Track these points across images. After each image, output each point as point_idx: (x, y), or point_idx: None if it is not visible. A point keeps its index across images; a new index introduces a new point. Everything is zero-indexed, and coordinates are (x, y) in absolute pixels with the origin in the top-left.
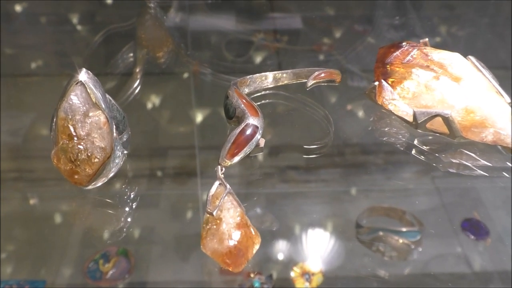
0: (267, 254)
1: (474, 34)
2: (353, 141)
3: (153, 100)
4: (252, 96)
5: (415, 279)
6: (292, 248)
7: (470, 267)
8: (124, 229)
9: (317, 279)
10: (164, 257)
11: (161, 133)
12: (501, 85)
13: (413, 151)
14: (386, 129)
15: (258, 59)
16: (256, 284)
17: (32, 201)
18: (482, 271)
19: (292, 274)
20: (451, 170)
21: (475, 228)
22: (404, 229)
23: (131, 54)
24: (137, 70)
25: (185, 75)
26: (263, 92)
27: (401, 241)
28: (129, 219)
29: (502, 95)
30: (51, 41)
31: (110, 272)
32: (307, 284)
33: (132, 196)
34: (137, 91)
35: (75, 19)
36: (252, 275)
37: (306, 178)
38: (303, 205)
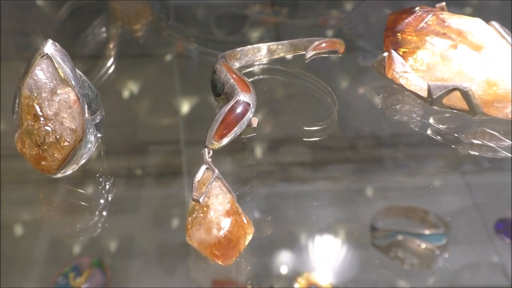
0: (267, 264)
1: None
2: (363, 126)
3: (130, 86)
4: (244, 71)
5: None
6: (296, 257)
7: (507, 277)
8: (97, 232)
9: None
10: (146, 270)
11: (139, 125)
12: None
13: (429, 131)
14: (398, 106)
15: (253, 36)
16: None
17: None
18: None
19: (297, 286)
20: (472, 153)
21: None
22: (427, 232)
23: (103, 30)
24: (110, 49)
25: (168, 56)
26: (256, 67)
27: (423, 246)
28: (105, 224)
29: None
30: (5, 18)
31: None
32: None
33: (108, 188)
34: (110, 74)
35: None
36: None
37: (312, 175)
38: (309, 207)
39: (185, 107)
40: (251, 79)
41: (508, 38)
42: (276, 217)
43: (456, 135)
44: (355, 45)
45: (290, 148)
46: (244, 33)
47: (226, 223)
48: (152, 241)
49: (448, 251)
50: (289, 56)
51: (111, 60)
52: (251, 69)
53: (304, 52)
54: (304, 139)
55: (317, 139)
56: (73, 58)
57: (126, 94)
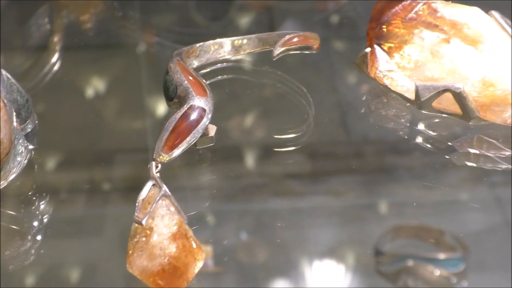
0: None
1: None
2: (341, 132)
3: (83, 84)
4: (204, 70)
5: None
6: (293, 286)
7: None
8: (30, 260)
9: None
10: None
11: (97, 131)
12: None
13: (419, 139)
14: (382, 111)
15: (242, 22)
16: None
17: None
18: None
19: None
20: (469, 164)
21: None
22: (442, 257)
23: (46, 20)
24: (56, 41)
25: (133, 47)
26: (219, 65)
27: (437, 273)
28: (40, 250)
29: None
30: None
31: None
32: None
33: (43, 207)
34: (57, 70)
35: None
36: None
37: (312, 189)
38: (307, 226)
39: (154, 108)
40: (212, 80)
41: (510, 30)
42: (266, 239)
43: (449, 143)
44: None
45: (256, 160)
46: (230, 19)
47: (171, 248)
48: (115, 270)
49: (467, 279)
50: (257, 53)
51: (58, 53)
52: (213, 67)
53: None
54: (276, 149)
55: (290, 148)
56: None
57: (78, 92)
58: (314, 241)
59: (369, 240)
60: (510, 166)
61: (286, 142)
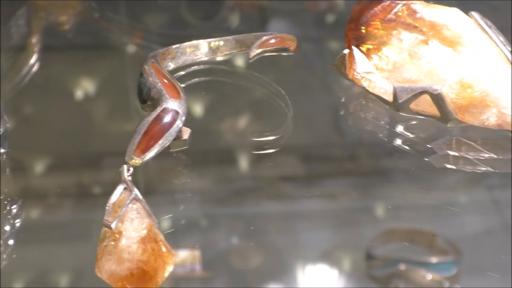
0: None
1: None
2: (320, 135)
3: (67, 86)
4: (180, 73)
5: None
6: None
7: None
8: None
9: None
10: None
11: (80, 135)
12: None
13: (398, 142)
14: (361, 113)
15: (234, 22)
16: None
17: None
18: None
19: None
20: (448, 166)
21: None
22: (433, 260)
23: (25, 20)
24: (34, 42)
25: (121, 48)
26: (195, 67)
27: (430, 277)
28: (12, 255)
29: None
30: None
31: None
32: None
33: (16, 212)
34: (36, 71)
35: None
36: None
37: (305, 192)
38: (300, 231)
39: (139, 111)
40: (189, 82)
41: (490, 31)
42: (258, 243)
43: (429, 146)
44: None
45: (233, 163)
46: (223, 18)
47: (140, 253)
48: (85, 275)
49: (460, 283)
50: (235, 54)
51: (36, 54)
52: (189, 70)
53: None
54: (253, 152)
55: (269, 151)
56: None
57: (62, 95)
58: (307, 245)
59: (363, 245)
60: (490, 169)
61: (264, 145)
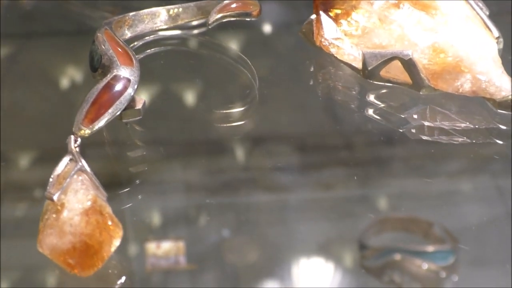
0: None
1: None
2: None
3: (41, 74)
4: (138, 42)
5: None
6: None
7: None
8: None
9: None
10: None
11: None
12: (493, 15)
13: (368, 112)
14: (330, 82)
15: None
16: None
17: None
18: None
19: None
20: (424, 138)
21: None
22: (430, 249)
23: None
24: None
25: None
26: (154, 35)
27: (425, 266)
28: None
29: (488, 27)
30: None
31: None
32: None
33: None
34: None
35: None
36: None
37: (297, 180)
38: (293, 222)
39: None
40: (147, 51)
41: None
42: (251, 235)
43: (402, 116)
44: None
45: (195, 139)
46: None
47: (83, 225)
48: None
49: (457, 273)
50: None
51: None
52: (147, 38)
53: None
54: (217, 125)
55: (232, 124)
56: None
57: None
58: (299, 237)
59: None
60: (467, 140)
61: (228, 117)
